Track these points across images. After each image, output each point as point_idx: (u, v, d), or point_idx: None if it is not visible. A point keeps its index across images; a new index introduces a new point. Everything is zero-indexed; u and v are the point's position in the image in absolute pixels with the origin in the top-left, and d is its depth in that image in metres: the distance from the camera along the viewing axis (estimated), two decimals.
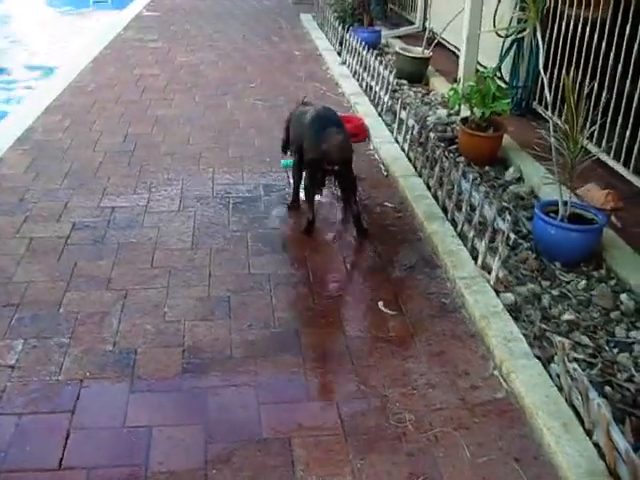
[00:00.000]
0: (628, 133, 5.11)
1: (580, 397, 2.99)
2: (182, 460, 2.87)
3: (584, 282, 4.18)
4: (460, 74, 6.87)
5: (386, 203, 5.18)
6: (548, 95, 4.75)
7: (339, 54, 9.27)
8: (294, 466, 2.85)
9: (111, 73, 8.65)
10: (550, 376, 3.29)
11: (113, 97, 7.63)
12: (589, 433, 2.93)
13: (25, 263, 4.29)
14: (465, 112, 6.24)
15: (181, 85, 8.16)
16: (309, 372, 3.40)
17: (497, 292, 3.96)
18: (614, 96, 5.29)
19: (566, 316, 3.86)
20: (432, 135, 5.47)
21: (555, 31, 6.25)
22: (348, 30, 9.31)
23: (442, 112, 7.00)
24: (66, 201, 5.09)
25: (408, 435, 3.02)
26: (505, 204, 5.03)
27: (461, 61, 6.94)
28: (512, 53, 6.79)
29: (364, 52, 7.96)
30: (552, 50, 6.24)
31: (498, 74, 6.63)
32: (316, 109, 4.86)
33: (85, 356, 3.48)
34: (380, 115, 6.92)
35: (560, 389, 3.19)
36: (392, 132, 6.38)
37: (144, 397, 3.22)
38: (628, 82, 5.14)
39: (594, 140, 5.30)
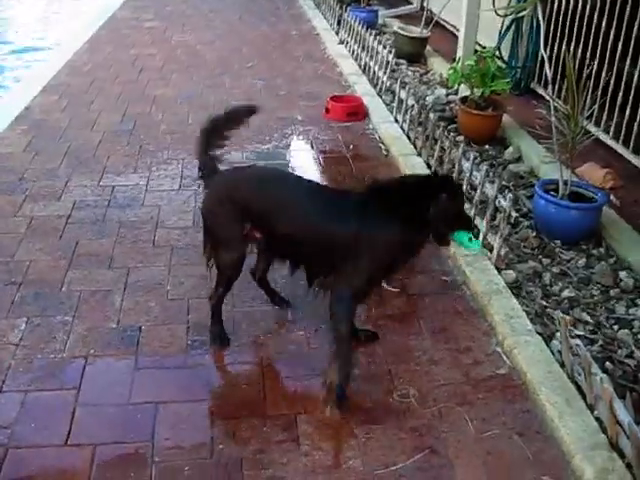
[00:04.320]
0: (628, 112, 5.11)
1: (582, 372, 3.02)
2: (188, 436, 2.89)
3: (584, 260, 4.20)
4: (459, 54, 6.85)
5: None
6: (549, 73, 4.75)
7: (337, 34, 9.24)
8: (299, 441, 2.88)
9: (108, 53, 8.60)
10: (552, 352, 3.32)
11: (110, 77, 7.60)
12: (591, 408, 2.96)
13: (26, 242, 4.29)
14: (464, 92, 6.23)
15: (178, 65, 8.13)
16: (312, 348, 3.43)
17: (498, 270, 3.98)
18: (614, 75, 5.28)
19: (566, 293, 3.88)
20: (432, 115, 5.47)
21: (555, 10, 6.23)
22: (346, 9, 9.28)
23: (441, 91, 6.99)
24: (66, 180, 5.08)
25: (412, 410, 3.05)
26: (505, 183, 5.04)
27: (460, 41, 6.92)
28: (511, 32, 6.77)
29: (362, 31, 7.94)
30: (552, 29, 6.23)
31: (497, 54, 6.62)
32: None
33: (89, 334, 3.49)
34: (379, 95, 6.91)
35: (562, 365, 3.22)
36: (391, 112, 6.38)
37: (149, 374, 3.24)
38: (628, 61, 5.14)
39: (593, 119, 5.29)
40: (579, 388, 3.07)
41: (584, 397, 3.01)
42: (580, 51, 5.69)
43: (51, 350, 3.37)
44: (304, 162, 5.60)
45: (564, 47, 5.89)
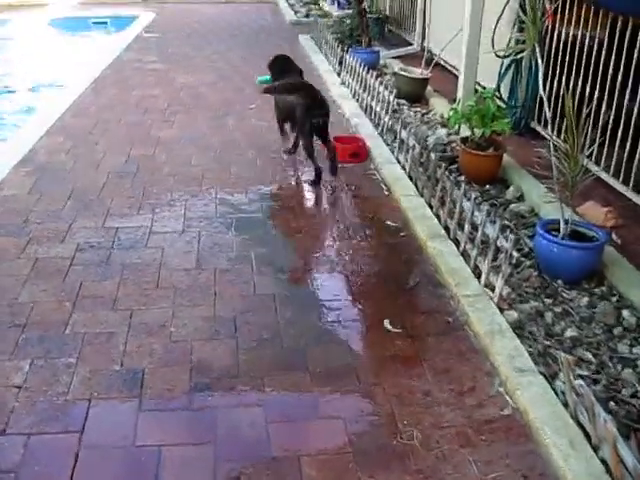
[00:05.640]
0: (627, 151, 5.16)
1: (586, 413, 3.02)
2: (192, 479, 2.89)
3: (586, 299, 4.21)
4: (459, 94, 6.93)
5: (388, 222, 5.22)
6: (548, 113, 4.80)
7: (338, 75, 9.34)
8: None
9: (112, 94, 8.72)
10: (555, 392, 3.32)
11: (115, 118, 7.69)
12: (596, 449, 2.95)
13: (30, 284, 4.32)
14: (465, 132, 6.29)
15: (182, 106, 8.23)
16: (316, 390, 3.42)
17: (501, 310, 3.99)
18: (612, 114, 5.34)
19: (569, 333, 3.88)
20: (433, 155, 5.52)
21: (553, 50, 6.31)
22: (347, 51, 9.39)
23: (442, 132, 7.06)
24: (70, 222, 5.12)
25: (416, 453, 3.04)
26: (506, 222, 5.07)
27: (460, 81, 7.00)
28: (511, 73, 6.85)
29: (364, 72, 8.03)
30: (550, 69, 6.31)
31: (497, 94, 6.69)
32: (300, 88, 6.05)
33: (93, 376, 3.50)
34: (380, 135, 6.98)
35: (565, 405, 3.21)
36: (393, 152, 6.43)
37: (153, 416, 3.24)
38: (626, 100, 5.19)
39: (593, 158, 5.34)
40: (583, 429, 3.06)
41: (589, 438, 3.01)
42: (580, 85, 5.75)
43: (55, 392, 3.38)
44: (306, 203, 5.68)
45: (563, 85, 5.96)
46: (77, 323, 3.93)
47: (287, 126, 6.40)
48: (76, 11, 16.92)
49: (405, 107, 8.06)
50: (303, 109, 5.84)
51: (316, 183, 5.87)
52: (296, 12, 16.00)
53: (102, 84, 9.25)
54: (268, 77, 6.47)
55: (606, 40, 5.48)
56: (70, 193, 5.63)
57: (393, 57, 10.36)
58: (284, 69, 6.41)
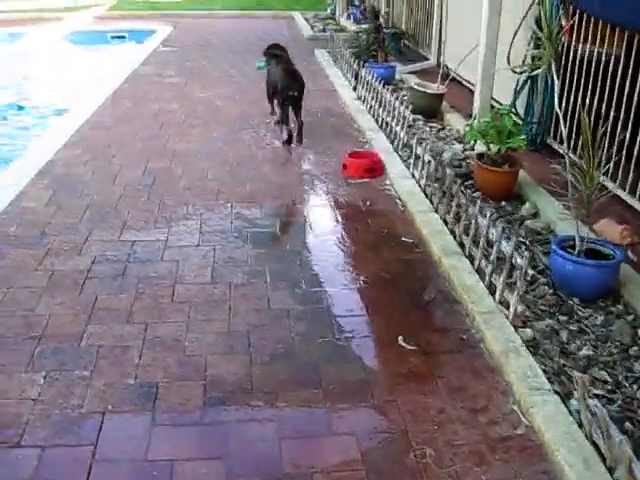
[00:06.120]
0: None
1: (601, 433, 3.00)
2: None
3: (602, 317, 4.19)
4: (475, 110, 6.94)
5: (404, 239, 5.21)
6: (564, 130, 4.80)
7: (354, 89, 9.37)
8: None
9: (129, 108, 8.79)
10: (570, 412, 3.30)
11: (132, 131, 7.75)
12: (611, 470, 2.92)
13: (46, 296, 4.34)
14: (481, 148, 6.29)
15: (198, 120, 8.28)
16: (329, 407, 3.42)
17: (515, 327, 3.98)
18: (629, 130, 5.32)
19: (584, 351, 3.86)
20: (449, 171, 5.51)
21: (569, 67, 6.31)
22: (363, 66, 9.42)
23: (457, 147, 7.06)
24: (87, 235, 5.15)
25: (429, 471, 3.02)
26: (522, 239, 5.06)
27: (476, 97, 7.02)
28: (527, 89, 6.85)
29: (380, 87, 8.06)
30: (567, 86, 6.30)
31: (513, 110, 6.69)
32: (282, 65, 7.67)
33: (107, 389, 3.51)
34: (396, 150, 6.99)
35: (580, 425, 3.19)
36: (408, 167, 6.44)
37: (166, 430, 3.24)
38: None
39: (609, 175, 5.33)
40: (598, 449, 3.04)
41: (603, 458, 2.98)
42: (596, 102, 5.74)
43: (69, 405, 3.39)
44: (321, 219, 5.66)
45: (579, 101, 5.95)
46: (92, 336, 3.95)
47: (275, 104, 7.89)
48: (94, 25, 17.10)
49: (421, 122, 8.07)
50: (282, 83, 7.39)
51: (288, 143, 7.33)
52: (312, 27, 16.10)
53: (120, 97, 9.32)
54: (264, 63, 8.14)
55: (622, 57, 5.47)
56: (87, 206, 5.67)
57: (409, 72, 10.39)
58: (275, 53, 8.01)
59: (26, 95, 10.72)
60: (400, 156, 6.82)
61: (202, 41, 14.02)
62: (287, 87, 7.35)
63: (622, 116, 5.39)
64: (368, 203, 5.87)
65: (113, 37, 15.71)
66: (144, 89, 9.86)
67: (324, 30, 15.44)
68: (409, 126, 7.23)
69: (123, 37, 15.66)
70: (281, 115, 7.46)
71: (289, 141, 7.32)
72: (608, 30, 5.69)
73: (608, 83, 5.63)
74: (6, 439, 3.17)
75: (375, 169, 6.48)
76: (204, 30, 15.66)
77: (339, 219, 5.61)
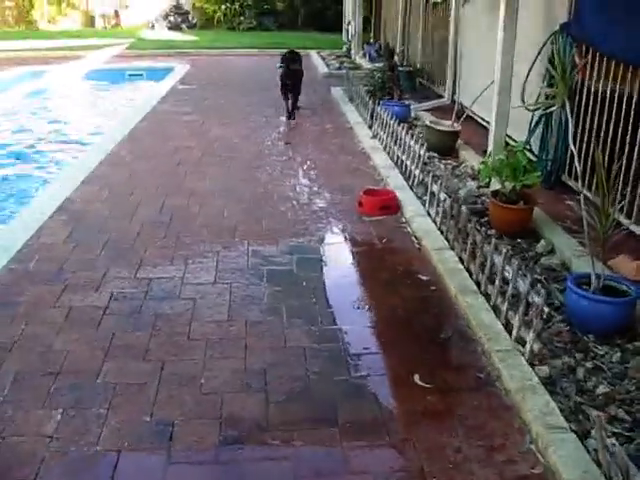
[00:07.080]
0: None
1: (620, 473, 2.97)
2: None
3: (619, 354, 4.16)
4: (490, 147, 6.98)
5: (420, 276, 5.22)
6: (578, 168, 4.82)
7: (370, 127, 9.45)
8: None
9: (147, 145, 8.90)
10: (588, 451, 3.27)
11: (149, 169, 7.84)
12: None
13: (64, 332, 4.37)
14: (495, 185, 6.31)
15: (215, 158, 8.37)
16: (346, 445, 3.41)
17: (532, 365, 3.96)
18: None
19: (601, 389, 3.84)
20: (464, 209, 5.53)
21: (584, 104, 6.34)
22: (378, 103, 9.51)
23: (472, 184, 7.09)
24: (104, 271, 5.19)
25: None
26: (537, 276, 5.05)
27: (490, 135, 7.05)
28: (541, 127, 6.89)
29: (395, 125, 8.12)
30: (581, 123, 6.33)
31: (527, 147, 6.72)
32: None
33: (123, 427, 3.51)
34: (411, 188, 7.03)
35: (598, 464, 3.16)
36: (424, 205, 6.46)
37: (182, 469, 3.24)
38: None
39: (624, 211, 5.32)
40: None
41: None
42: (610, 139, 5.76)
43: (85, 442, 3.39)
44: (337, 256, 5.67)
45: (593, 139, 5.97)
46: (109, 373, 3.96)
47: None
48: (112, 63, 17.37)
49: (436, 160, 8.12)
50: (282, 75, 10.44)
51: (289, 118, 10.49)
52: (328, 65, 16.30)
53: (138, 135, 9.44)
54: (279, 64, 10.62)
55: (636, 95, 5.50)
56: (105, 242, 5.72)
57: (424, 110, 10.48)
58: (291, 58, 10.67)
59: (44, 133, 10.86)
60: (415, 194, 6.85)
61: (219, 79, 14.20)
62: (286, 78, 10.50)
63: (636, 152, 5.40)
64: (384, 240, 5.90)
65: (131, 75, 15.95)
66: (162, 127, 9.99)
67: (340, 68, 15.62)
68: (424, 164, 7.26)
69: (140, 75, 15.90)
70: (283, 97, 10.69)
71: (289, 116, 10.53)
72: (622, 66, 5.72)
73: (622, 120, 5.65)
74: (22, 477, 3.17)
75: (390, 206, 6.51)
76: (221, 68, 15.89)
77: (355, 256, 5.63)
